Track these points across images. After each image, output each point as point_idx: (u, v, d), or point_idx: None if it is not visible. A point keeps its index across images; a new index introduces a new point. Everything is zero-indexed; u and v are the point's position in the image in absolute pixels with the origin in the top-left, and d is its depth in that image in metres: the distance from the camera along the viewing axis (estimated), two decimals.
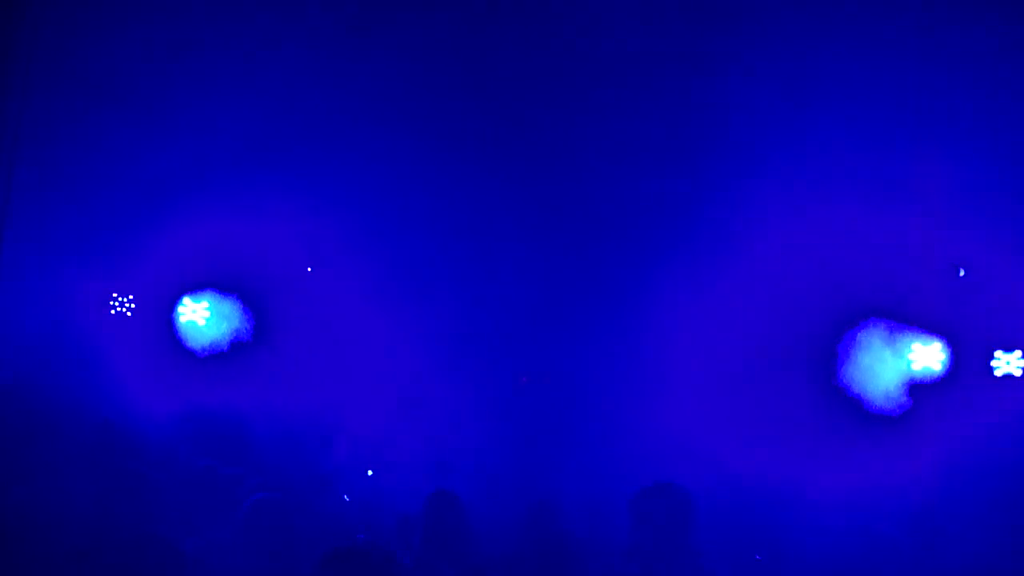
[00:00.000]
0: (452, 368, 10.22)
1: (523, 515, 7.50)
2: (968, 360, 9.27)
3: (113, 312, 11.06)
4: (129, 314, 11.01)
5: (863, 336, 9.47)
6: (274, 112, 9.62)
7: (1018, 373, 9.24)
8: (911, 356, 9.45)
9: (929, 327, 9.26)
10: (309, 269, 10.85)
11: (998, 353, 9.28)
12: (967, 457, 8.73)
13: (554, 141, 9.55)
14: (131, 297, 11.00)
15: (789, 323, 9.58)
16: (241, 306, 10.85)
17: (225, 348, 10.83)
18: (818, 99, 8.59)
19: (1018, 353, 9.26)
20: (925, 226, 8.85)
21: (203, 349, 10.81)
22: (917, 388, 9.34)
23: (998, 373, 9.27)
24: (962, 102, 8.21)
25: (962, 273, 9.09)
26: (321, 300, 10.77)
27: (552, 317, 10.40)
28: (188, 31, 8.90)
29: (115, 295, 11.04)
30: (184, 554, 5.39)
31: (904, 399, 9.37)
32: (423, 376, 10.44)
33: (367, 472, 9.84)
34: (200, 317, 10.85)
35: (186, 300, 10.82)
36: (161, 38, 8.95)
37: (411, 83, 9.28)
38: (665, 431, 9.31)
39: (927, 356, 9.43)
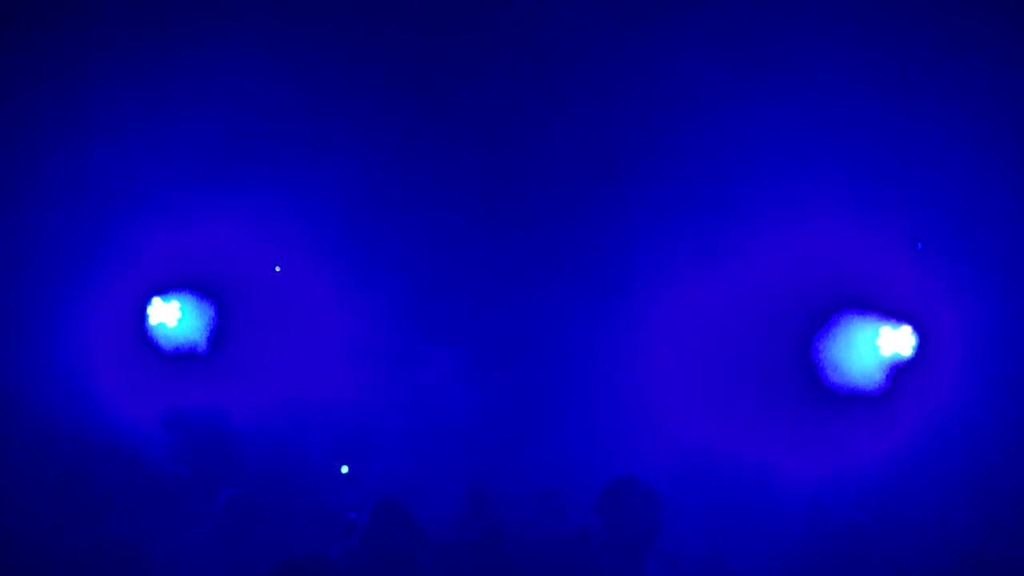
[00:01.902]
0: (425, 359, 10.25)
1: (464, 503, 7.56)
2: (937, 344, 9.36)
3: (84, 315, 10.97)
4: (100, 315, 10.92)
5: (836, 321, 9.55)
6: (244, 112, 9.60)
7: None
8: (880, 341, 9.53)
9: (898, 312, 9.34)
10: (277, 268, 10.81)
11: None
12: (935, 441, 8.82)
13: (530, 131, 9.57)
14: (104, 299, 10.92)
15: (763, 307, 9.64)
16: (211, 306, 10.81)
17: (196, 349, 10.79)
18: (789, 92, 8.64)
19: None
20: (895, 213, 8.92)
21: (174, 350, 10.77)
22: (889, 372, 9.42)
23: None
24: (931, 91, 8.28)
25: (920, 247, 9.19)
26: (290, 296, 10.75)
27: (526, 304, 10.43)
28: (157, 26, 8.86)
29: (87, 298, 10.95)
30: (146, 554, 5.42)
31: (876, 383, 9.46)
32: (396, 368, 10.46)
33: (342, 469, 9.87)
34: (171, 318, 10.80)
35: (156, 301, 10.75)
36: (126, 36, 8.90)
37: (379, 80, 9.27)
38: (637, 416, 9.37)
39: (896, 341, 9.51)
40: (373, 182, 9.95)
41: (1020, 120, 8.02)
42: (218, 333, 10.81)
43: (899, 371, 9.51)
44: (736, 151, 9.06)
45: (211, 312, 10.83)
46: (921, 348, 9.43)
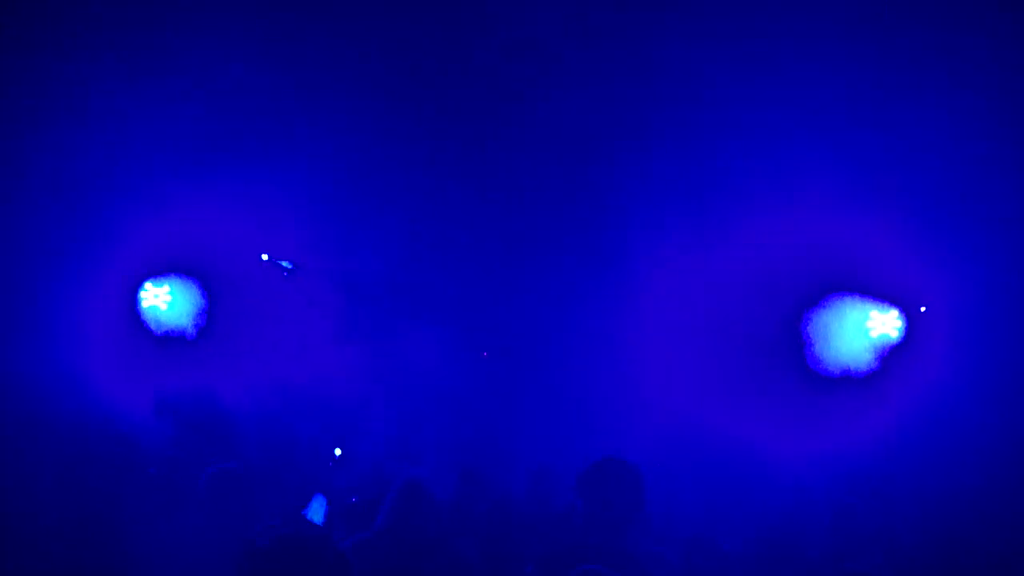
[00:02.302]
0: (414, 340, 10.29)
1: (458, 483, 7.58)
2: (925, 327, 9.40)
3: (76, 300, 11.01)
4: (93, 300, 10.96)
5: (825, 303, 9.59)
6: (234, 99, 9.62)
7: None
8: (869, 324, 9.55)
9: (886, 296, 9.39)
10: (264, 256, 10.85)
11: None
12: (924, 423, 8.85)
13: (519, 109, 9.57)
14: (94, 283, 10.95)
15: (753, 289, 9.66)
16: (201, 290, 10.85)
17: (186, 332, 10.82)
18: (783, 73, 8.65)
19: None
20: (885, 197, 8.94)
21: (166, 333, 10.80)
22: (877, 355, 9.46)
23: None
24: (923, 73, 8.30)
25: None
26: (280, 284, 10.78)
27: (515, 291, 10.46)
28: (145, 14, 8.86)
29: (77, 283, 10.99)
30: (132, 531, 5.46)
31: (866, 366, 9.49)
32: (385, 350, 10.51)
33: (334, 453, 9.90)
34: (162, 302, 10.83)
35: (148, 285, 10.78)
36: (114, 23, 8.91)
37: (363, 62, 9.29)
38: (628, 397, 9.40)
39: (885, 324, 9.54)
40: (359, 164, 9.97)
41: (1012, 103, 8.04)
42: (208, 317, 10.83)
43: (888, 353, 9.54)
44: (726, 134, 9.07)
45: (201, 296, 10.86)
46: (909, 331, 9.47)
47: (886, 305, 9.55)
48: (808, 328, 9.77)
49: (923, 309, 9.49)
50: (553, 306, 10.40)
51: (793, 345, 9.81)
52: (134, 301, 10.85)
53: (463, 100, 9.47)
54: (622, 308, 10.04)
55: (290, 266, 10.83)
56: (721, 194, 9.27)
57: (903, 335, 9.50)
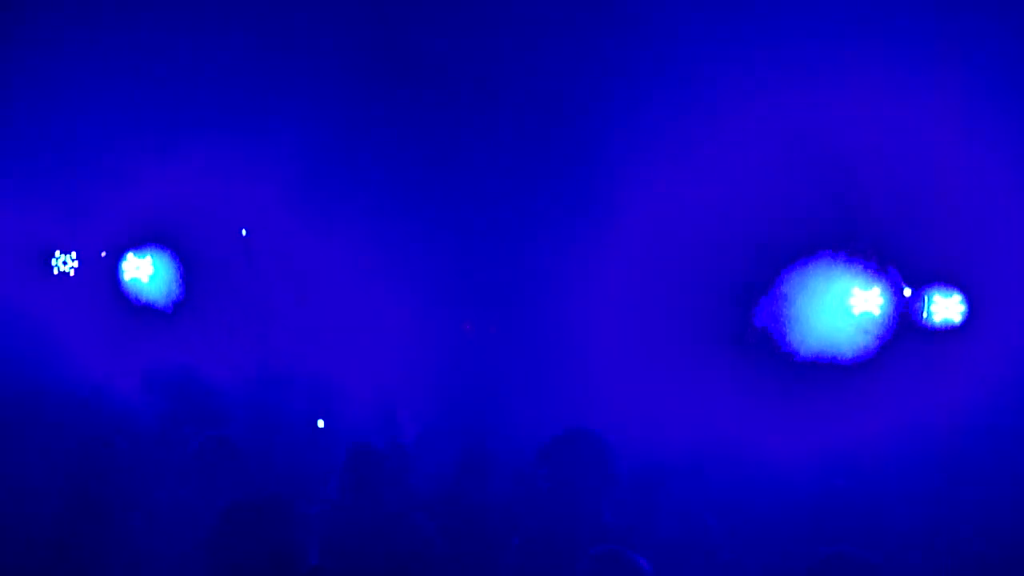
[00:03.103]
0: (396, 315, 10.29)
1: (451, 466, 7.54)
2: (912, 304, 9.37)
3: (56, 271, 10.97)
4: (72, 273, 10.91)
5: (806, 281, 9.54)
6: (216, 67, 9.58)
7: (958, 319, 9.36)
8: (852, 300, 9.48)
9: (872, 269, 9.33)
10: (244, 232, 10.81)
11: (937, 297, 9.37)
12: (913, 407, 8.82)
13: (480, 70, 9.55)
14: (74, 255, 10.90)
15: (730, 271, 9.63)
16: (182, 262, 10.82)
17: (168, 304, 10.78)
18: (752, 21, 8.62)
19: (957, 297, 9.36)
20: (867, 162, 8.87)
21: (148, 305, 10.76)
22: (864, 334, 9.41)
23: (936, 319, 9.34)
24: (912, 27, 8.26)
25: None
26: (263, 254, 10.75)
27: (494, 263, 10.45)
28: None
29: (57, 253, 10.94)
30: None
31: (851, 346, 9.45)
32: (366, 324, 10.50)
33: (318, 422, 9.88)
34: (144, 274, 10.78)
35: (129, 256, 10.72)
36: None
37: (339, 29, 9.28)
38: (599, 382, 9.38)
39: (867, 300, 9.47)
40: (335, 127, 9.95)
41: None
42: (189, 289, 10.80)
43: (874, 333, 9.47)
44: (697, 94, 9.02)
45: (181, 268, 10.82)
46: (895, 309, 9.41)
47: (870, 279, 9.46)
48: (793, 308, 9.70)
49: (907, 291, 9.44)
50: (530, 279, 10.38)
51: (778, 327, 9.76)
52: (115, 273, 10.80)
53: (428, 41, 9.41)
54: (595, 283, 10.00)
55: (246, 233, 10.78)
56: (695, 152, 9.16)
57: (888, 313, 9.43)
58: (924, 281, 9.33)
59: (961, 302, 9.35)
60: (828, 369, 9.31)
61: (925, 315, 9.31)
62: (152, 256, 10.78)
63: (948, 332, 9.31)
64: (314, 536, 4.89)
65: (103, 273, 10.87)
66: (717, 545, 6.31)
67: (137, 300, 10.75)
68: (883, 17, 8.29)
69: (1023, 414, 8.54)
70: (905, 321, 9.33)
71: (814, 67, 8.47)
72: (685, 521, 6.46)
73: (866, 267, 9.38)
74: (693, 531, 6.32)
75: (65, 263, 10.94)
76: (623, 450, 7.07)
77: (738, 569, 6.33)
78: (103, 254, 10.79)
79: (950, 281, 9.35)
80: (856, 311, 9.47)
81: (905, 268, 9.32)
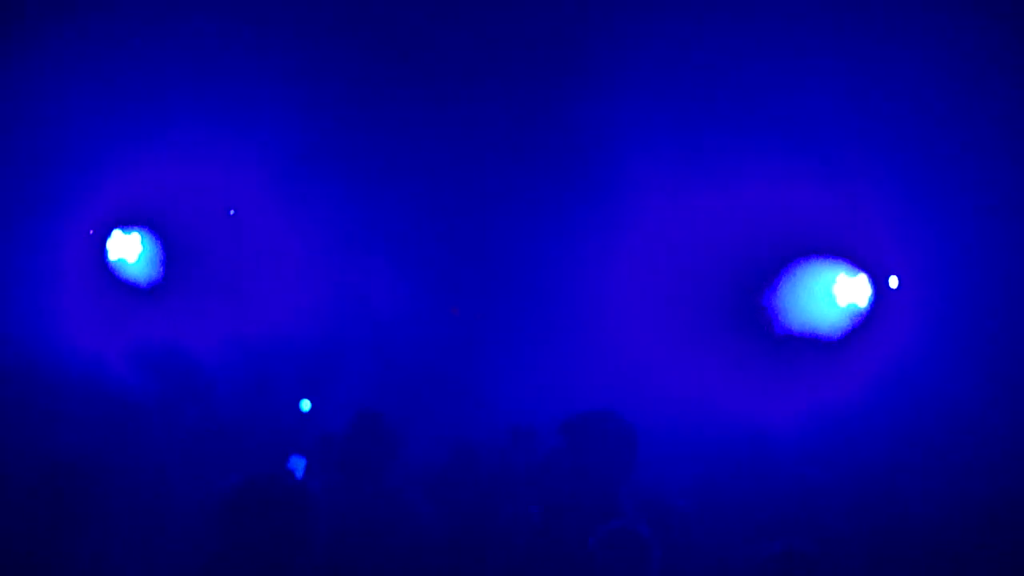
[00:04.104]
0: (384, 287, 10.30)
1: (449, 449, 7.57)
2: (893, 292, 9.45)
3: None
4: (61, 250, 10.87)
5: (794, 270, 9.61)
6: (202, 45, 9.56)
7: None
8: (837, 290, 9.55)
9: (854, 260, 9.40)
10: (232, 212, 10.79)
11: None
12: (889, 393, 8.89)
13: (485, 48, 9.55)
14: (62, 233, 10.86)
15: (719, 258, 9.68)
16: (171, 241, 10.80)
17: (155, 283, 10.77)
18: (741, 36, 8.65)
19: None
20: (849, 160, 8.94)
21: (135, 285, 10.74)
22: (845, 321, 9.49)
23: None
24: (899, 28, 8.30)
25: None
26: (250, 234, 10.74)
27: (488, 245, 10.46)
28: None
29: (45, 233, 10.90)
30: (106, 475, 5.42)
31: (832, 332, 9.52)
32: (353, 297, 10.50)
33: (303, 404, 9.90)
34: (131, 253, 10.75)
35: (116, 235, 10.69)
36: None
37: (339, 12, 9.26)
38: (599, 363, 9.42)
39: (853, 290, 9.55)
40: (324, 105, 9.93)
41: (986, 63, 8.07)
42: (176, 268, 10.78)
43: (856, 320, 9.56)
44: (693, 99, 9.07)
45: (168, 247, 10.80)
46: (878, 297, 9.49)
47: (855, 270, 9.54)
48: (775, 293, 9.77)
49: (894, 282, 9.51)
50: (526, 260, 10.39)
51: (758, 310, 9.82)
52: (102, 251, 10.76)
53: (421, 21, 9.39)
54: (587, 266, 10.03)
55: (233, 212, 10.75)
56: (691, 151, 9.21)
57: (872, 302, 9.51)
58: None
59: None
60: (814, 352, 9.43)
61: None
62: (139, 234, 10.74)
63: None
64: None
65: (90, 251, 10.82)
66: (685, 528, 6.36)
67: (124, 279, 10.71)
68: (874, 23, 8.36)
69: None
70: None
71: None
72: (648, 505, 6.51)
73: (852, 260, 9.49)
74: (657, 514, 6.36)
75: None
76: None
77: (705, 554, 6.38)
78: (90, 232, 10.75)
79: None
80: (842, 300, 9.56)
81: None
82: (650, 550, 4.69)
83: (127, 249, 10.76)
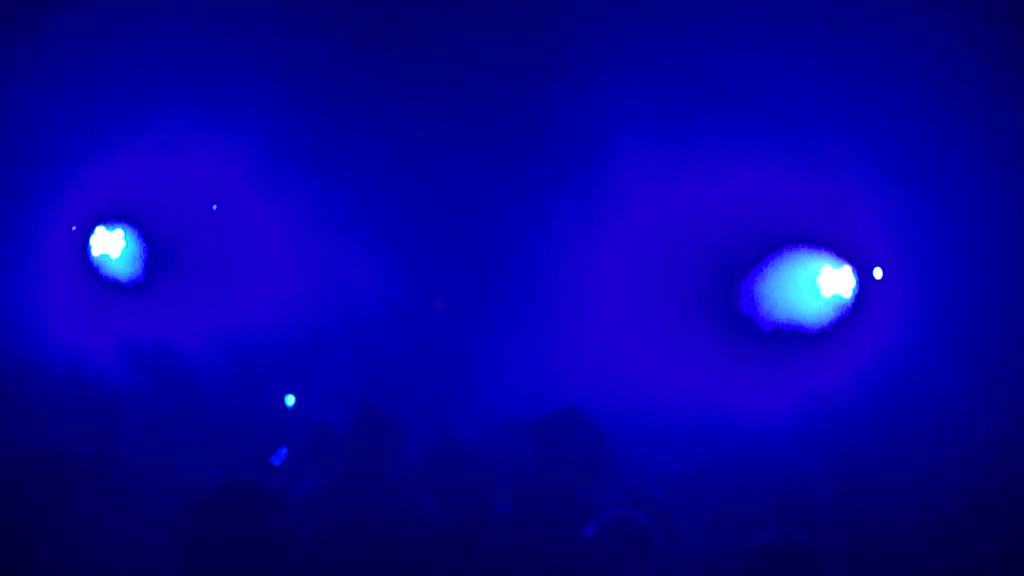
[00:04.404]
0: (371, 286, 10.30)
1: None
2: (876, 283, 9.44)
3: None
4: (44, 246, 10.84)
5: (776, 261, 9.59)
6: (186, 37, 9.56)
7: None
8: (821, 281, 9.55)
9: (839, 251, 9.40)
10: (215, 207, 10.77)
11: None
12: (878, 383, 8.88)
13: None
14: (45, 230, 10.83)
15: (702, 248, 9.66)
16: (154, 237, 10.77)
17: (138, 279, 10.74)
18: (727, 25, 8.65)
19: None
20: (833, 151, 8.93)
21: (118, 281, 10.70)
22: (829, 312, 9.48)
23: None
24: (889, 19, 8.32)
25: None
26: (231, 227, 10.72)
27: (472, 235, 10.45)
28: None
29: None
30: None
31: (816, 323, 9.51)
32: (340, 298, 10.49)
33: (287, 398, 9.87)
34: (114, 248, 10.72)
35: (100, 231, 10.66)
36: None
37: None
38: (586, 353, 9.41)
39: (837, 281, 9.54)
40: (307, 97, 9.92)
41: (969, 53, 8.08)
42: (159, 263, 10.75)
43: (840, 311, 9.55)
44: (672, 88, 9.07)
45: (151, 243, 10.77)
46: (862, 289, 9.48)
47: (839, 261, 9.53)
48: (759, 283, 9.75)
49: (879, 273, 9.50)
50: (504, 253, 10.38)
51: (742, 300, 9.80)
52: (85, 247, 10.73)
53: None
54: (567, 258, 10.02)
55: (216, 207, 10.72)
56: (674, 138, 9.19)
57: (856, 293, 9.50)
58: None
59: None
60: (799, 342, 9.42)
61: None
62: (123, 230, 10.71)
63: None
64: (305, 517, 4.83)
65: (73, 247, 10.79)
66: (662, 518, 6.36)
67: (107, 275, 10.68)
68: (861, 14, 8.38)
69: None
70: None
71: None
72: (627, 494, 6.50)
73: (836, 250, 9.48)
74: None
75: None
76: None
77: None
78: (73, 228, 10.71)
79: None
80: (826, 291, 9.56)
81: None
82: (651, 535, 4.68)
83: (110, 245, 10.71)
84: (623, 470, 6.81)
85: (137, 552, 5.77)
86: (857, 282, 9.43)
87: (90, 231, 10.72)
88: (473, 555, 5.59)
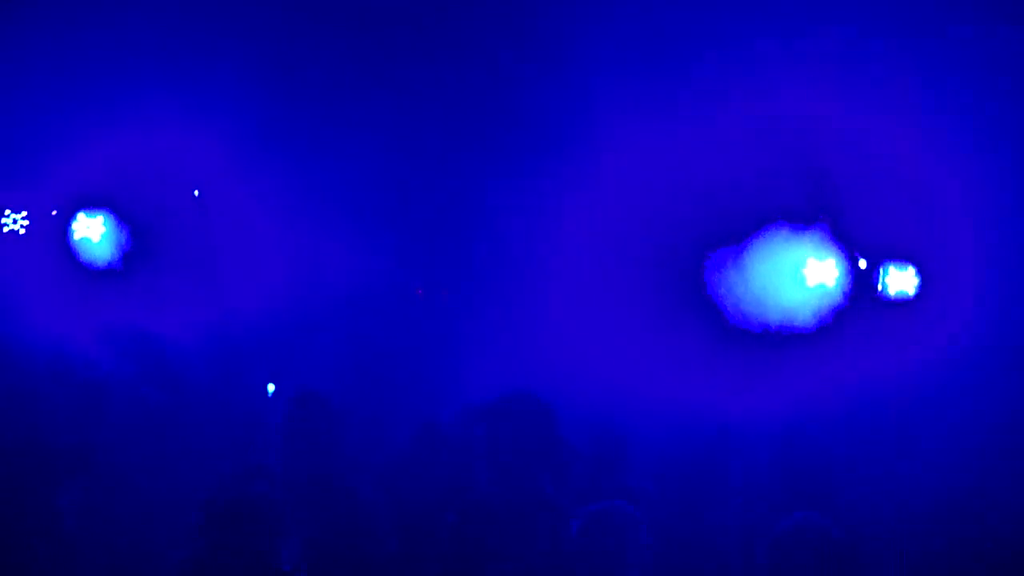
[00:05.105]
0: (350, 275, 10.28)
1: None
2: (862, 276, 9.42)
3: (5, 230, 10.81)
4: (22, 231, 10.75)
5: (759, 252, 9.55)
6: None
7: (912, 292, 9.41)
8: (806, 272, 9.49)
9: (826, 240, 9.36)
10: (196, 192, 10.71)
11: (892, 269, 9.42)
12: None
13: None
14: (24, 214, 10.74)
15: (685, 237, 9.63)
16: (135, 222, 10.70)
17: (118, 265, 10.66)
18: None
19: (911, 270, 9.43)
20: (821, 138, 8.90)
21: (98, 266, 10.63)
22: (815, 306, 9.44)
23: (891, 292, 9.39)
24: None
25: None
26: (214, 214, 10.67)
27: (452, 223, 10.43)
28: None
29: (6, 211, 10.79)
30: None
31: (804, 318, 9.47)
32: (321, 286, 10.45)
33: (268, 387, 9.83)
34: (95, 233, 10.63)
35: (80, 216, 10.58)
36: None
37: None
38: (557, 348, 9.39)
39: (822, 272, 9.49)
40: (289, 81, 9.88)
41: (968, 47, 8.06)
42: (141, 249, 10.68)
43: (825, 303, 9.50)
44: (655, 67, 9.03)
45: (132, 228, 10.70)
46: (850, 281, 9.44)
47: (825, 251, 9.48)
48: (748, 278, 9.71)
49: (862, 262, 9.47)
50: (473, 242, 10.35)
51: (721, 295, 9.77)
52: (66, 232, 10.65)
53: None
54: (542, 254, 10.00)
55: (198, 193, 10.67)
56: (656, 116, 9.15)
57: (842, 285, 9.45)
58: (880, 254, 9.41)
59: (915, 275, 9.44)
60: (783, 338, 9.36)
61: (880, 287, 9.40)
62: (103, 216, 10.63)
63: (902, 304, 9.42)
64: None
65: (53, 232, 10.70)
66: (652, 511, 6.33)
67: (88, 260, 10.60)
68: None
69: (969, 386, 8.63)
70: (860, 292, 9.38)
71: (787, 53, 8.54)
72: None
73: (822, 238, 9.41)
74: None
75: (15, 222, 10.77)
76: (583, 417, 7.11)
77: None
78: (53, 212, 10.63)
79: (905, 254, 9.44)
80: (811, 282, 9.49)
81: (861, 241, 9.38)
82: (639, 525, 4.66)
83: (91, 230, 10.63)
84: (596, 461, 6.79)
85: (128, 545, 5.72)
86: (844, 273, 9.38)
87: (71, 216, 10.62)
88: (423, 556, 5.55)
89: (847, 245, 9.31)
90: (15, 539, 4.76)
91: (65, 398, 6.82)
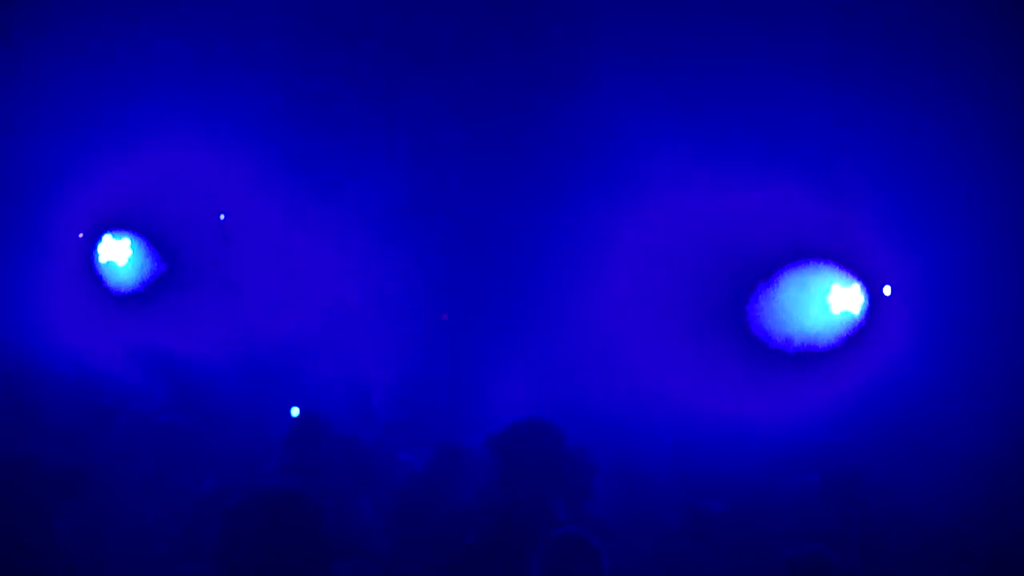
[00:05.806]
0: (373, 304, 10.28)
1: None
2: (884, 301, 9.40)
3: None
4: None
5: (783, 278, 9.56)
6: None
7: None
8: (831, 299, 9.50)
9: (848, 268, 9.35)
10: (222, 216, 10.78)
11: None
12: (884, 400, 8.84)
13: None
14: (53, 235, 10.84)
15: (712, 261, 9.63)
16: (161, 246, 10.77)
17: (143, 288, 10.74)
18: (740, 40, 8.65)
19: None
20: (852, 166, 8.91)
21: (124, 289, 10.70)
22: (839, 330, 9.43)
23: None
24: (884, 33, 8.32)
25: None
26: (238, 236, 10.72)
27: (476, 249, 10.44)
28: None
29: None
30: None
31: (826, 341, 9.46)
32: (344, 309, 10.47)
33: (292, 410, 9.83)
34: (121, 256, 10.72)
35: (107, 239, 10.66)
36: None
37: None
38: (594, 365, 9.39)
39: (846, 298, 9.49)
40: (314, 108, 9.93)
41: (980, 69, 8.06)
42: (166, 272, 10.74)
43: (850, 329, 9.49)
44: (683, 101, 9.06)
45: (158, 252, 10.76)
46: (871, 306, 9.42)
47: (849, 278, 9.48)
48: (768, 301, 9.71)
49: (887, 289, 9.44)
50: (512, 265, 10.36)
51: (752, 318, 9.77)
52: (92, 255, 10.73)
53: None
54: (577, 280, 10.00)
55: (223, 217, 10.72)
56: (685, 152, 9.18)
57: (865, 311, 9.44)
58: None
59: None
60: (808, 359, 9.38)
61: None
62: (129, 239, 10.71)
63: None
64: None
65: (80, 255, 10.79)
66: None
67: (114, 283, 10.68)
68: (874, 29, 8.37)
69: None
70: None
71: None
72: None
73: (845, 268, 9.43)
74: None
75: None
76: (608, 438, 7.09)
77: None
78: (80, 235, 10.71)
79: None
80: (835, 309, 9.51)
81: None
82: (599, 556, 4.62)
83: (117, 253, 10.71)
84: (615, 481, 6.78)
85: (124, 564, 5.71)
86: (867, 300, 9.37)
87: (97, 239, 10.70)
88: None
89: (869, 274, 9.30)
90: (10, 561, 4.75)
91: (73, 418, 6.87)
